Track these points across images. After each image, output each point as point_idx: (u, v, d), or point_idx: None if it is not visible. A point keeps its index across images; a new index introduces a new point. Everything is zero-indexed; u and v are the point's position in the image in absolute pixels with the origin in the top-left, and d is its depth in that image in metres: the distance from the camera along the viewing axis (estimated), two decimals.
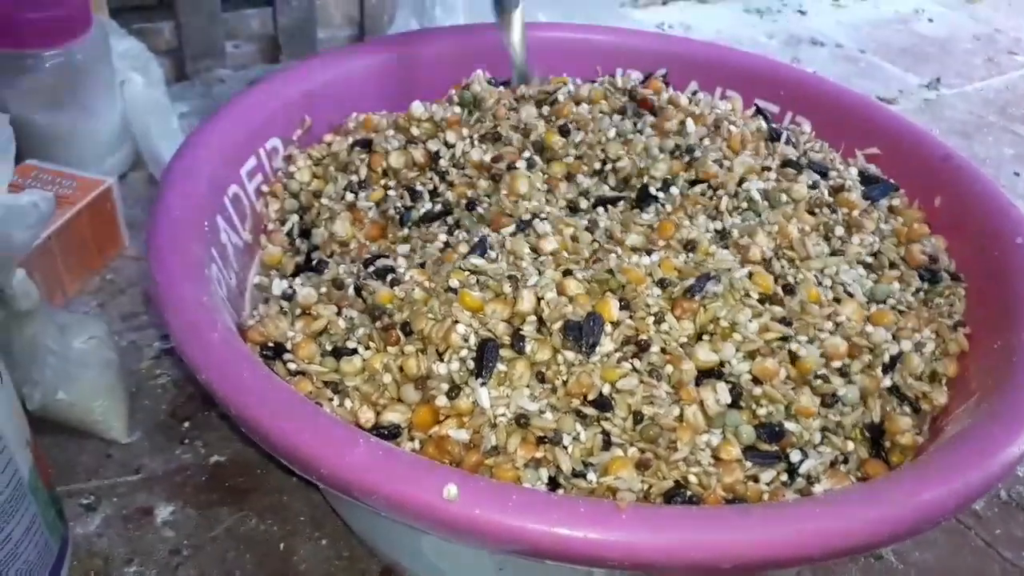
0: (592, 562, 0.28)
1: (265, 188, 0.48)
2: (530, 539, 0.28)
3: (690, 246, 0.40)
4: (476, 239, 0.40)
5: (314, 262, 0.44)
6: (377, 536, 0.40)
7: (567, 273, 0.38)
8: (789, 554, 0.28)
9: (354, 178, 0.48)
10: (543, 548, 0.28)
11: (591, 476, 0.33)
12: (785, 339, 0.37)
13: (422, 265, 0.40)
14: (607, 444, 0.34)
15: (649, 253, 0.40)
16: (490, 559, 0.34)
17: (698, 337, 0.37)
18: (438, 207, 0.45)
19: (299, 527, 0.43)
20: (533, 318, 0.37)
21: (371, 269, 0.41)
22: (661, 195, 0.44)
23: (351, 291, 0.40)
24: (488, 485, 0.29)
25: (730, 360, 0.36)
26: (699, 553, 0.28)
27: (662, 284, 0.38)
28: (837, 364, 0.37)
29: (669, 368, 0.35)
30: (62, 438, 0.46)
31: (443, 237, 0.42)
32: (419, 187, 0.46)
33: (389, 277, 0.40)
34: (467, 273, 0.38)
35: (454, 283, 0.37)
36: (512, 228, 0.41)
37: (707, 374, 0.36)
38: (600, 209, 0.44)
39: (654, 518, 0.28)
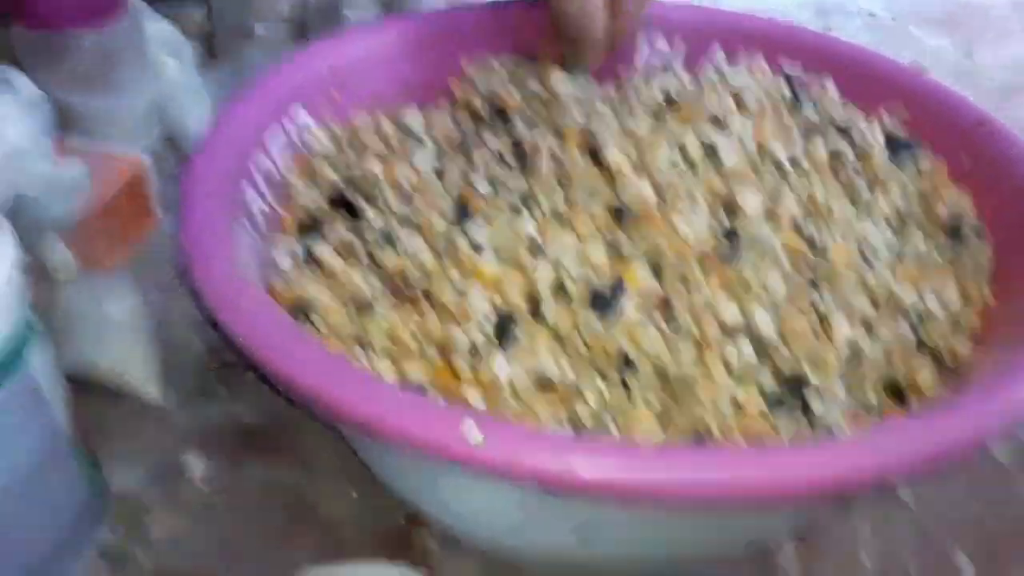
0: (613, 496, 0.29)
1: (292, 162, 0.49)
2: (549, 477, 0.28)
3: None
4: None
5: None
6: (401, 481, 0.41)
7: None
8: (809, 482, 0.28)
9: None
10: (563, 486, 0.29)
11: (612, 428, 0.33)
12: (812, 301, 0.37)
13: None
14: (630, 399, 0.35)
15: None
16: (511, 497, 0.34)
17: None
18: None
19: (329, 481, 0.45)
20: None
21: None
22: None
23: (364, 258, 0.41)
24: (510, 427, 0.30)
25: (756, 318, 0.36)
26: (721, 488, 0.28)
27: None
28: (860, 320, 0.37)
29: (693, 327, 0.36)
30: (98, 398, 0.48)
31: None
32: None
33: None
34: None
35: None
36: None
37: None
38: None
39: (675, 458, 0.29)
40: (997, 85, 0.89)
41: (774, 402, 0.34)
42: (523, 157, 0.43)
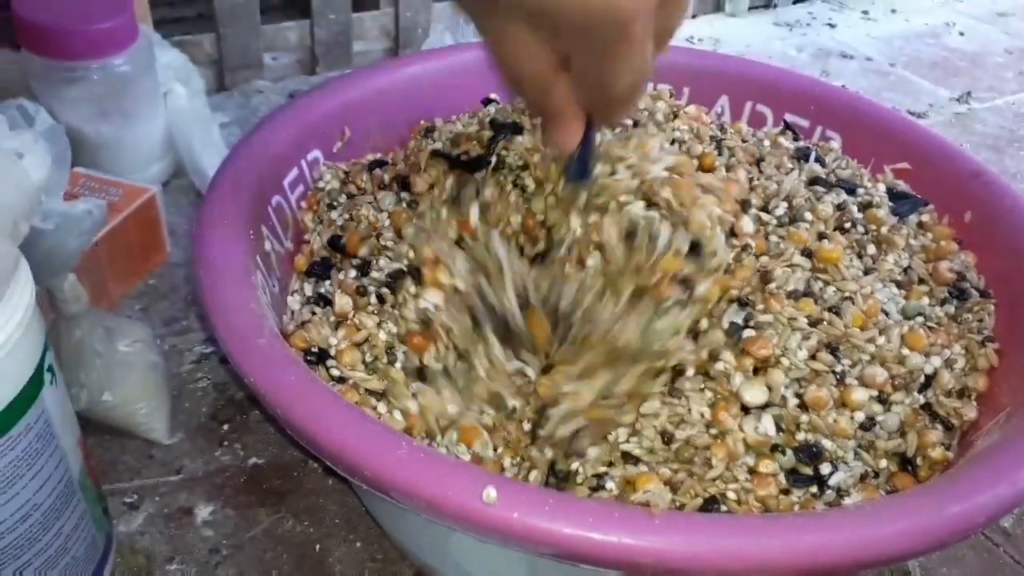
0: (625, 567, 0.29)
1: (303, 203, 0.49)
2: (564, 542, 0.29)
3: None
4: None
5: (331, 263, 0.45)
6: (410, 539, 0.41)
7: None
8: (820, 562, 0.29)
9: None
10: (577, 551, 0.29)
11: (610, 485, 0.34)
12: (832, 368, 0.38)
13: None
14: (634, 462, 0.35)
15: None
16: (521, 563, 0.35)
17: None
18: None
19: (334, 529, 0.45)
20: None
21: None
22: None
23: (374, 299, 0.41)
24: (525, 489, 0.30)
25: (780, 390, 0.37)
26: (730, 559, 0.28)
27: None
28: (875, 393, 0.38)
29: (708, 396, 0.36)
30: (106, 438, 0.48)
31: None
32: None
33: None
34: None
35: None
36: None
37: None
38: None
39: (687, 524, 0.29)
40: (991, 131, 0.91)
41: (789, 471, 0.35)
42: None
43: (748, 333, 0.38)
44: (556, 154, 0.38)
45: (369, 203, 0.47)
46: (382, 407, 0.37)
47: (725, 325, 0.38)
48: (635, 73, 0.30)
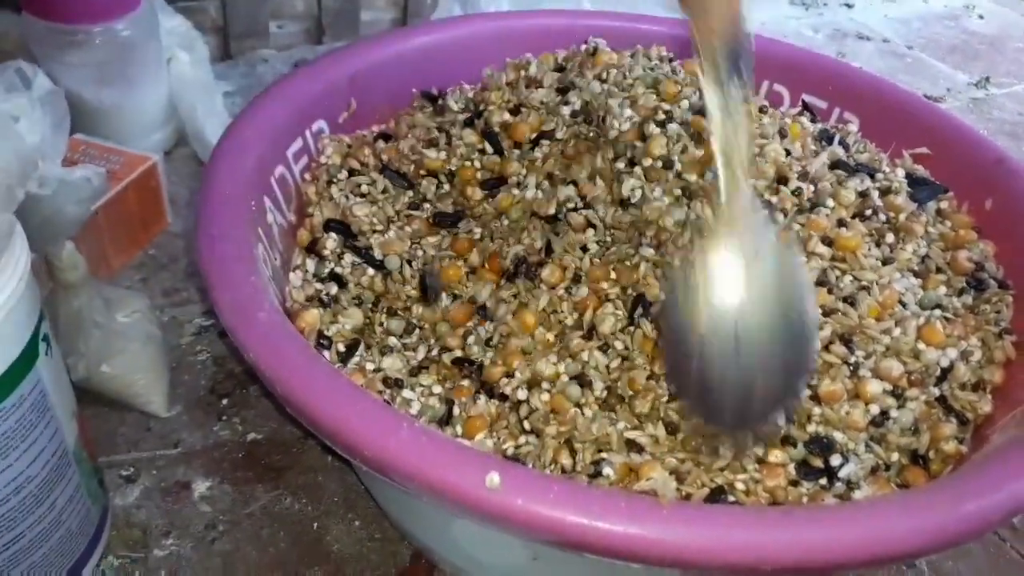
0: (630, 557, 0.28)
1: (307, 175, 0.48)
2: (568, 530, 0.28)
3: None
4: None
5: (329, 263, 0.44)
6: (410, 520, 0.41)
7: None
8: (829, 558, 0.28)
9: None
10: (581, 540, 0.28)
11: (607, 471, 0.33)
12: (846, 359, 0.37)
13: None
14: (638, 450, 0.34)
15: None
16: (523, 548, 0.34)
17: None
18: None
19: (333, 507, 0.44)
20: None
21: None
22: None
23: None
24: (530, 475, 0.29)
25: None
26: (738, 553, 0.28)
27: None
28: (890, 387, 0.37)
29: None
30: (103, 410, 0.47)
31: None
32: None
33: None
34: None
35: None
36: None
37: None
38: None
39: (695, 515, 0.28)
40: (1009, 117, 0.89)
41: (800, 463, 0.34)
42: None
43: None
44: None
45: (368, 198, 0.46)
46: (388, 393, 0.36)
47: None
48: None
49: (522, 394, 0.36)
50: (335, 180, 0.47)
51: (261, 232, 0.41)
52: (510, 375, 0.37)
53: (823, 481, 0.34)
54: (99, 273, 0.54)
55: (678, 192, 0.41)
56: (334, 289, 0.42)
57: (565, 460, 0.34)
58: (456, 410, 0.36)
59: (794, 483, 0.33)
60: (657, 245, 0.40)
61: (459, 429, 0.36)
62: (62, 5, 0.57)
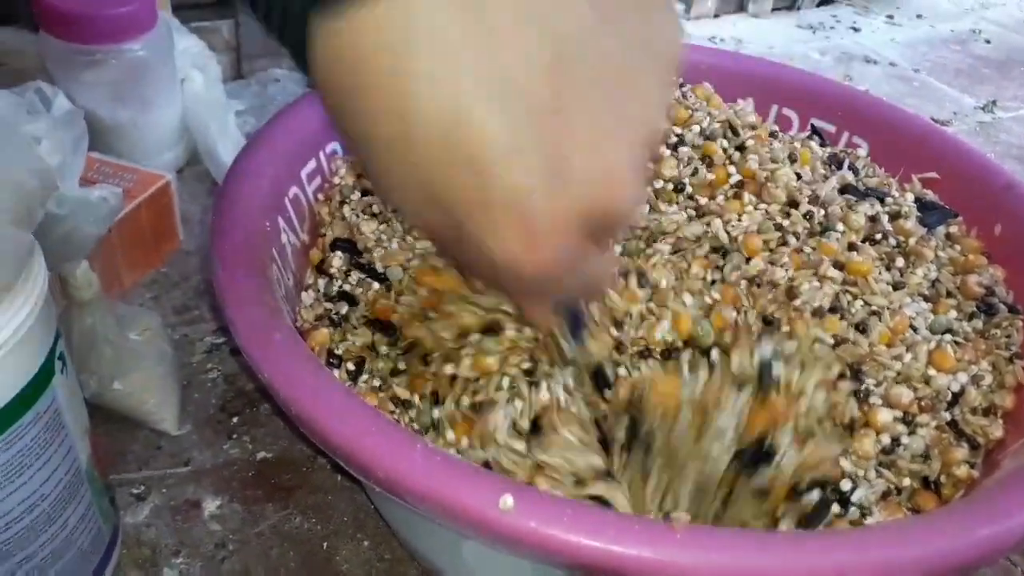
0: None
1: (320, 195, 0.49)
2: (581, 553, 0.28)
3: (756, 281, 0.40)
4: None
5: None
6: (420, 541, 0.41)
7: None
8: None
9: None
10: (594, 563, 0.28)
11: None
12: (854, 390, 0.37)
13: None
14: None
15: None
16: (534, 571, 0.34)
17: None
18: None
19: (342, 527, 0.44)
20: None
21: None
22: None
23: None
24: (543, 498, 0.29)
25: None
26: None
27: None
28: (900, 414, 0.37)
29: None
30: (114, 428, 0.47)
31: None
32: None
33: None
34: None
35: None
36: None
37: None
38: None
39: (708, 539, 0.28)
40: (1017, 141, 0.89)
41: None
42: None
43: (777, 371, 0.36)
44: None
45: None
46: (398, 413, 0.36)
47: (756, 362, 0.36)
48: (580, 288, 0.30)
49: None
50: (348, 200, 0.48)
51: (275, 252, 0.42)
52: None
53: (836, 508, 0.34)
54: (111, 291, 0.54)
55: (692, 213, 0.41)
56: (344, 308, 0.42)
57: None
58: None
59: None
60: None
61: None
62: (80, 26, 0.58)
